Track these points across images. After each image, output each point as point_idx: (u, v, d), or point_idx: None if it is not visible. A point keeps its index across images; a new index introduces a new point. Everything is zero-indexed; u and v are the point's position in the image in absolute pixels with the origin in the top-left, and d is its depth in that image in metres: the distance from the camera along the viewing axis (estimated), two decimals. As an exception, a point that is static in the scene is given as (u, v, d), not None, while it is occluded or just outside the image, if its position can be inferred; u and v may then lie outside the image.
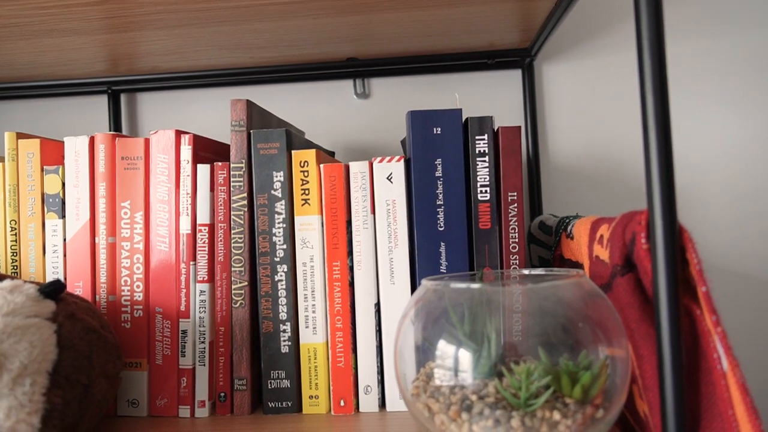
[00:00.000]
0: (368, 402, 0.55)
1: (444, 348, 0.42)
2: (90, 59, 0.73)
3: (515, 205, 0.55)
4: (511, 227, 0.55)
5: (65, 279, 0.58)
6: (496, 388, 0.41)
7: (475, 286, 0.43)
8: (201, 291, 0.56)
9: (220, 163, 0.57)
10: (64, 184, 0.58)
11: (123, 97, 0.86)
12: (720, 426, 0.37)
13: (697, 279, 0.37)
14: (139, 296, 0.56)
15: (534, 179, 0.79)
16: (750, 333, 0.78)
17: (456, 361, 0.42)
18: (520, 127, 0.55)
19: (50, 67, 0.76)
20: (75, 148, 0.58)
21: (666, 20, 0.80)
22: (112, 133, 0.58)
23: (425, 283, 0.46)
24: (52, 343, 0.41)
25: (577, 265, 0.55)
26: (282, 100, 0.84)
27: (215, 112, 0.85)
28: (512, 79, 0.82)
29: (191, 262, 0.56)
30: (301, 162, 0.56)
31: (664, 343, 0.38)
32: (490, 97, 0.82)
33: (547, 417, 0.40)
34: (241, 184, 0.56)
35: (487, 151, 0.55)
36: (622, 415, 0.49)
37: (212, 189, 0.57)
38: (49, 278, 0.58)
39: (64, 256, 0.58)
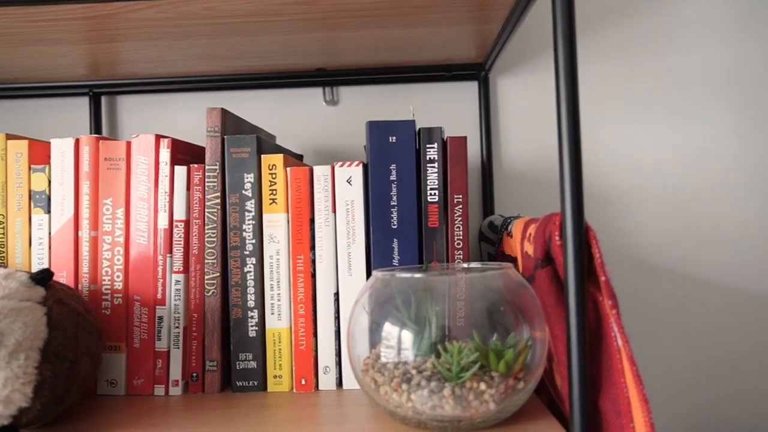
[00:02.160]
0: (327, 381, 0.61)
1: (389, 329, 0.49)
2: (74, 65, 0.78)
3: (460, 206, 0.61)
4: (456, 226, 0.61)
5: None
6: (433, 364, 0.47)
7: (418, 275, 0.50)
8: (176, 281, 0.62)
9: (196, 165, 0.62)
10: (50, 182, 0.63)
11: (104, 100, 0.91)
12: (615, 392, 0.44)
13: (599, 270, 0.44)
14: (119, 285, 0.62)
15: (487, 183, 0.86)
16: (669, 322, 0.86)
17: (399, 341, 0.48)
18: (465, 137, 0.62)
19: (35, 71, 0.80)
20: (61, 149, 0.63)
21: (610, 40, 0.88)
22: (96, 135, 0.63)
23: (376, 274, 0.52)
24: (43, 323, 0.47)
25: (514, 260, 0.62)
26: (255, 106, 0.90)
27: (191, 115, 0.90)
28: (469, 90, 0.89)
29: (168, 255, 0.62)
30: (269, 165, 0.62)
31: (572, 323, 0.45)
32: (449, 106, 0.89)
33: (474, 387, 0.46)
34: (215, 184, 0.62)
35: (436, 158, 0.62)
36: (545, 387, 0.56)
37: (188, 188, 0.62)
38: (35, 269, 0.63)
39: (49, 248, 0.63)
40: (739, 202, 0.86)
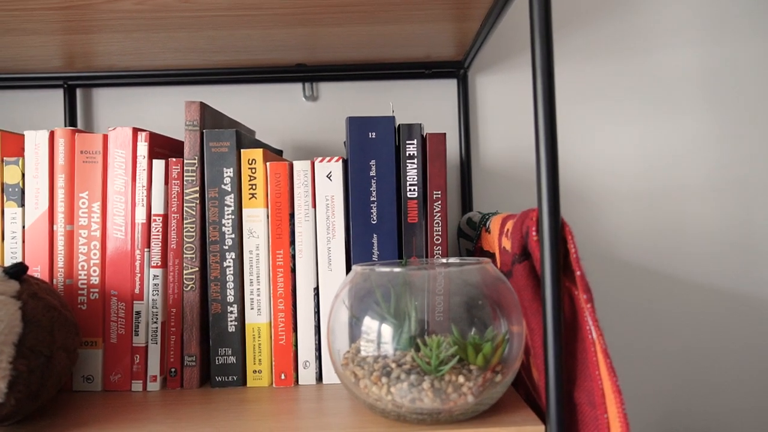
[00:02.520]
0: (307, 375, 0.61)
1: (369, 324, 0.49)
2: (48, 56, 0.76)
3: (439, 202, 0.62)
4: (435, 222, 0.62)
5: (24, 264, 0.62)
6: (412, 358, 0.48)
7: (397, 269, 0.50)
8: (154, 275, 0.61)
9: (174, 159, 0.62)
10: (23, 175, 0.62)
11: (79, 92, 0.89)
12: (589, 384, 0.46)
13: (574, 264, 0.45)
14: (96, 280, 0.61)
15: (466, 180, 0.87)
16: (644, 319, 0.89)
17: (379, 335, 0.49)
18: (444, 133, 0.62)
19: (8, 62, 0.79)
20: (35, 141, 0.62)
21: (589, 41, 0.89)
22: (71, 128, 0.62)
23: (355, 268, 0.53)
24: (17, 318, 0.46)
25: (492, 255, 0.63)
26: (234, 101, 0.90)
27: (169, 109, 0.89)
28: (448, 88, 0.90)
29: (146, 249, 0.61)
30: (249, 160, 0.61)
31: (548, 317, 0.46)
32: (428, 103, 0.90)
33: (453, 380, 0.47)
34: (194, 178, 0.61)
35: (415, 154, 0.62)
36: (523, 381, 0.58)
37: (167, 182, 0.62)
38: (8, 263, 0.62)
39: (23, 242, 0.62)
40: (713, 200, 0.89)
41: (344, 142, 0.86)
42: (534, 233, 0.47)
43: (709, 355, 0.88)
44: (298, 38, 0.72)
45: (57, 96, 0.89)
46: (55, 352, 0.49)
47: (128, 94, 0.89)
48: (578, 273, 0.45)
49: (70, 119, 0.87)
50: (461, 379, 0.47)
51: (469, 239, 0.76)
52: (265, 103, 0.90)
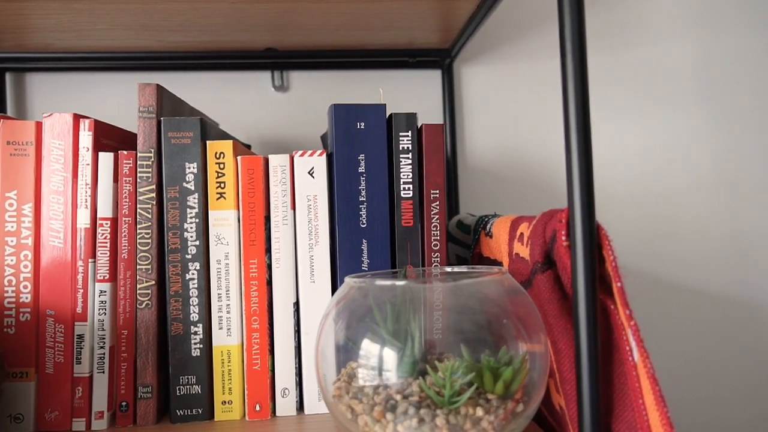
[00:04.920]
0: (285, 405, 0.52)
1: (368, 347, 0.41)
2: (-31, 31, 0.65)
3: (437, 202, 0.55)
4: (433, 225, 0.55)
5: (-65, 279, 0.50)
6: (420, 387, 0.40)
7: (400, 283, 0.42)
8: (101, 291, 0.51)
9: (125, 152, 0.52)
10: (-66, 171, 0.51)
11: (9, 77, 0.77)
12: (631, 415, 0.39)
13: (613, 275, 0.39)
14: (27, 298, 0.50)
15: (452, 179, 0.80)
16: (650, 327, 0.84)
17: (380, 361, 0.41)
18: (443, 124, 0.55)
19: None
20: (-51, 130, 0.51)
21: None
22: (-4, 114, 0.51)
23: (348, 281, 0.44)
24: None
25: (496, 263, 0.56)
26: (194, 89, 0.80)
27: (117, 100, 0.78)
28: (432, 79, 0.83)
29: (90, 260, 0.51)
30: (216, 153, 0.52)
31: (582, 336, 0.39)
32: (411, 95, 0.82)
33: (470, 414, 0.40)
34: (150, 175, 0.52)
35: (410, 148, 0.54)
36: (537, 409, 0.51)
37: (116, 180, 0.52)
38: None
39: (-66, 252, 0.50)
40: (707, 201, 0.85)
41: (321, 137, 0.77)
42: (563, 238, 0.40)
43: (704, 360, 0.84)
44: (271, 15, 0.63)
45: (-17, 81, 0.77)
46: (-31, 393, 0.38)
47: (70, 81, 0.78)
48: (618, 285, 0.38)
49: (-1, 108, 0.75)
50: (480, 411, 0.40)
51: (461, 244, 0.68)
52: (231, 93, 0.80)
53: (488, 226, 0.58)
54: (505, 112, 0.83)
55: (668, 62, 0.85)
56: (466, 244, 0.66)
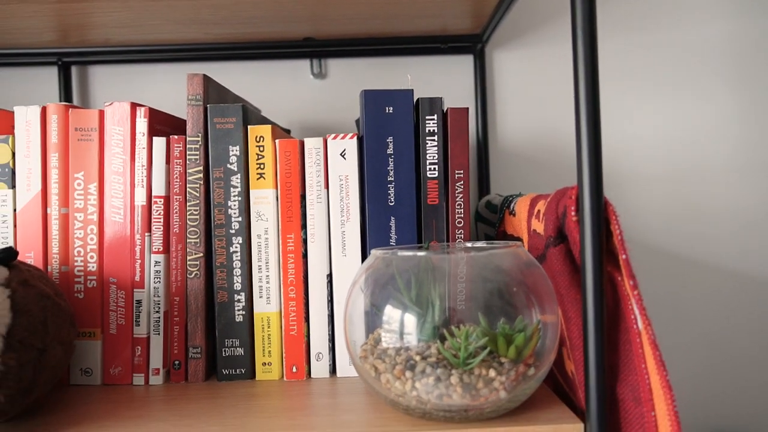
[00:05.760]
0: (320, 368, 0.57)
1: (390, 313, 0.45)
2: (39, 28, 0.72)
3: (462, 182, 0.58)
4: (457, 203, 0.58)
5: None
6: (438, 350, 0.44)
7: (421, 253, 0.46)
8: (156, 262, 0.57)
9: (176, 137, 0.57)
10: (14, 154, 0.58)
11: (74, 70, 0.85)
12: (634, 379, 0.41)
13: (619, 248, 0.41)
14: (93, 267, 0.57)
15: (483, 160, 0.82)
16: (666, 303, 0.84)
17: (402, 325, 0.45)
18: (467, 108, 0.58)
19: (-3, 36, 0.74)
20: (26, 118, 0.57)
21: (610, 16, 0.84)
22: (65, 103, 0.58)
23: (374, 252, 0.48)
24: (5, 307, 0.42)
25: (519, 240, 0.59)
26: (239, 78, 0.85)
27: (170, 88, 0.85)
28: (464, 64, 0.85)
29: (146, 234, 0.57)
30: (257, 137, 0.57)
31: (589, 306, 0.42)
32: (443, 80, 0.85)
33: (483, 374, 0.43)
34: (197, 157, 0.57)
35: (436, 131, 0.58)
36: (552, 374, 0.53)
37: (168, 162, 0.58)
38: (-1, 249, 0.58)
39: (15, 226, 0.57)
40: (741, 181, 0.84)
41: (356, 121, 0.81)
42: (573, 213, 0.43)
43: (733, 342, 0.84)
44: (307, 7, 0.67)
45: (51, 74, 0.85)
46: (48, 344, 0.45)
47: (126, 72, 0.85)
48: (623, 257, 0.41)
49: (65, 99, 0.83)
50: (492, 373, 0.43)
51: (488, 223, 0.71)
52: (272, 80, 0.85)
53: (512, 205, 0.61)
54: (536, 96, 0.85)
55: (699, 42, 0.84)
56: (493, 223, 0.69)
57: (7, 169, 0.58)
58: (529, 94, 0.85)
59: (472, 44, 0.82)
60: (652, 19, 0.84)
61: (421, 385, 0.43)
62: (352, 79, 0.85)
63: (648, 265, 0.84)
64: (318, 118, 0.85)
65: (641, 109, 0.84)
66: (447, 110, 0.58)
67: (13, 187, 0.58)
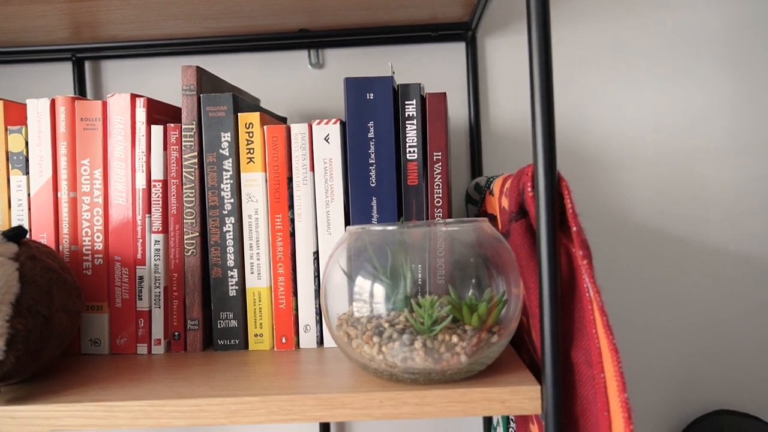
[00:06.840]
0: (307, 339, 0.61)
1: (362, 283, 0.49)
2: (52, 27, 0.77)
3: (440, 164, 0.61)
4: (435, 183, 0.61)
5: (30, 231, 0.63)
6: (406, 318, 0.47)
7: (390, 228, 0.49)
8: (156, 241, 0.62)
9: (172, 125, 0.62)
10: (27, 143, 0.63)
11: (87, 65, 0.90)
12: (586, 343, 0.44)
13: (571, 220, 0.44)
14: (99, 246, 0.62)
15: (475, 144, 0.85)
16: (655, 282, 0.86)
17: (372, 295, 0.48)
18: (445, 93, 0.61)
19: (14, 33, 0.79)
20: (37, 110, 0.62)
21: (602, 0, 0.86)
22: (71, 96, 0.62)
23: (349, 229, 0.52)
24: (15, 278, 0.47)
25: (494, 218, 0.61)
26: (238, 69, 0.89)
27: (174, 80, 0.89)
28: (457, 51, 0.87)
29: (147, 215, 0.61)
30: (246, 124, 0.61)
31: (544, 275, 0.45)
32: (437, 68, 0.87)
33: (446, 340, 0.46)
34: (192, 143, 0.61)
35: (415, 115, 0.61)
36: (524, 343, 0.56)
37: (165, 148, 0.62)
38: (16, 230, 0.63)
39: (29, 209, 0.63)
40: (732, 164, 0.85)
41: (349, 108, 0.84)
42: (529, 189, 0.46)
43: (726, 323, 0.85)
44: (299, 0, 0.70)
45: (66, 69, 0.90)
46: (54, 312, 0.50)
47: (135, 66, 0.90)
48: (574, 229, 0.43)
49: (80, 92, 0.88)
50: (455, 339, 0.46)
51: (475, 204, 0.74)
52: (272, 71, 0.89)
53: (491, 186, 0.64)
54: (527, 81, 0.87)
55: (692, 24, 0.85)
56: (477, 203, 0.72)
57: (21, 157, 0.63)
58: (519, 79, 0.87)
59: (463, 32, 0.84)
60: (641, 2, 0.85)
61: (388, 350, 0.46)
62: (350, 68, 0.88)
63: (643, 247, 0.86)
64: (317, 107, 0.89)
65: (635, 91, 0.86)
66: (425, 95, 0.61)
67: (27, 173, 0.63)
